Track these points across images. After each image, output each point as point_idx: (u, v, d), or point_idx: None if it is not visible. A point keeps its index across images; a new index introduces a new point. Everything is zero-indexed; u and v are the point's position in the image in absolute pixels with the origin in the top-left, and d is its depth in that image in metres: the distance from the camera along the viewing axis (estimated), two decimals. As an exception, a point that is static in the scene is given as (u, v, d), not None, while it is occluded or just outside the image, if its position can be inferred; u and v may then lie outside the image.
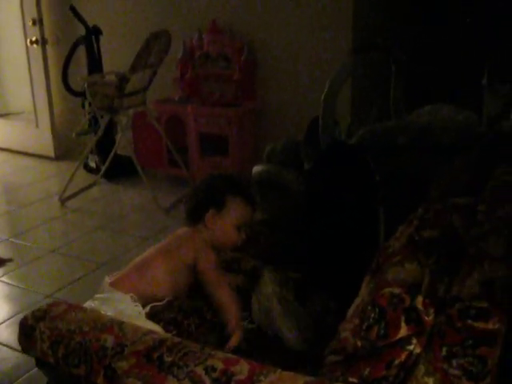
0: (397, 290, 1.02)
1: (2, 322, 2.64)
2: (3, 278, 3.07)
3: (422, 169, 2.17)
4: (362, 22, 3.43)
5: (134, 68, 3.86)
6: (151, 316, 1.63)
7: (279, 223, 2.20)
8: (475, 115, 2.54)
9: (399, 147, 2.36)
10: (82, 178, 4.53)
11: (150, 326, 1.51)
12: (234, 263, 1.95)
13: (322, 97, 2.35)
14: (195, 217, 1.85)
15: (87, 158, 4.64)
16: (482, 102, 2.54)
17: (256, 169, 3.13)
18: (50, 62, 5.08)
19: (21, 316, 1.38)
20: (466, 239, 1.17)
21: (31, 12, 4.89)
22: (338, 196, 1.77)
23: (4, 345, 2.46)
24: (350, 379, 1.04)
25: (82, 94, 4.46)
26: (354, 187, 1.77)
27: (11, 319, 2.65)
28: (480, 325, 0.93)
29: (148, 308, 1.66)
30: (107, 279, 1.73)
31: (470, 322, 0.94)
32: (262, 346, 1.59)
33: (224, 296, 1.70)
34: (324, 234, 1.80)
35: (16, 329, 1.37)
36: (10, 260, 3.25)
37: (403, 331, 1.00)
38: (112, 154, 4.25)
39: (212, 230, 1.82)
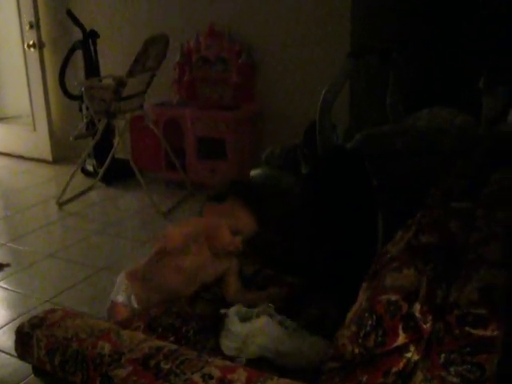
0: (394, 297, 1.02)
1: (0, 328, 2.63)
2: (1, 283, 3.05)
3: (420, 173, 2.17)
4: (360, 26, 3.43)
5: (131, 72, 3.86)
6: (149, 322, 1.62)
7: (278, 227, 2.20)
8: (473, 118, 2.54)
9: (397, 151, 2.35)
10: (80, 181, 4.52)
11: None
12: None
13: (320, 100, 2.35)
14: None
15: (85, 161, 4.63)
16: (480, 104, 2.54)
17: (254, 172, 3.13)
18: (48, 65, 5.06)
19: (19, 321, 1.37)
20: (464, 245, 1.16)
21: (28, 15, 4.89)
22: (335, 200, 1.77)
23: (1, 351, 2.45)
24: (348, 386, 1.03)
25: (79, 98, 4.45)
26: (351, 192, 1.77)
27: (9, 324, 2.64)
28: (478, 332, 0.93)
29: None
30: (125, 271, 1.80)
31: (468, 328, 0.93)
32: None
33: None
34: (322, 238, 1.79)
35: (14, 335, 1.36)
36: (7, 265, 3.25)
37: (401, 339, 0.99)
38: (110, 157, 4.23)
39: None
